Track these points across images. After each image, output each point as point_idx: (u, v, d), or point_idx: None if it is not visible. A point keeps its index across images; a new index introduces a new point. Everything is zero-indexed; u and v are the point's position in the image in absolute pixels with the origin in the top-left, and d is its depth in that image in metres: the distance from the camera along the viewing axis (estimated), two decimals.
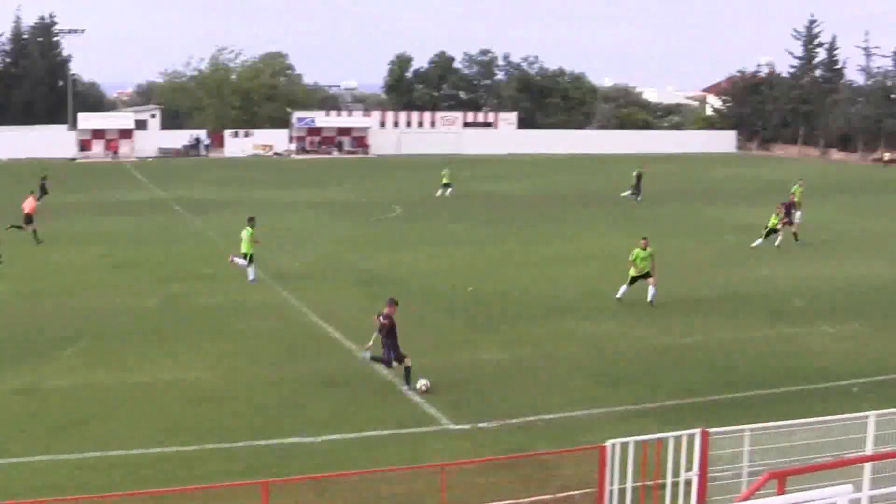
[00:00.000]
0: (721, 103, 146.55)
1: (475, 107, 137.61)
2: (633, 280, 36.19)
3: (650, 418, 23.26)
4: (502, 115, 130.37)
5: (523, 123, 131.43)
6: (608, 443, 16.72)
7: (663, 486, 16.97)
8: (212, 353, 29.00)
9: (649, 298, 35.64)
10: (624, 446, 16.70)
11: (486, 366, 27.84)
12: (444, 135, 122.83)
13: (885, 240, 52.78)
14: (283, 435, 22.17)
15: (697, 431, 16.73)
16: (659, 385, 26.12)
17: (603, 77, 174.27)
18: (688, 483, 16.89)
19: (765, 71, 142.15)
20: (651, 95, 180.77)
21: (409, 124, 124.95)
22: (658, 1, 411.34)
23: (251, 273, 39.44)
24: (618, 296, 36.18)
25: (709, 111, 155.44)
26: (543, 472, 19.20)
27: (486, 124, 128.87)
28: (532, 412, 23.82)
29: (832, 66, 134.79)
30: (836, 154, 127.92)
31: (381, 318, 25.93)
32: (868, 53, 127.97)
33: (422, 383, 25.31)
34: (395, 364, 26.08)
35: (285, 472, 19.20)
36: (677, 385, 26.14)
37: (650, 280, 35.97)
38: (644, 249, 36.21)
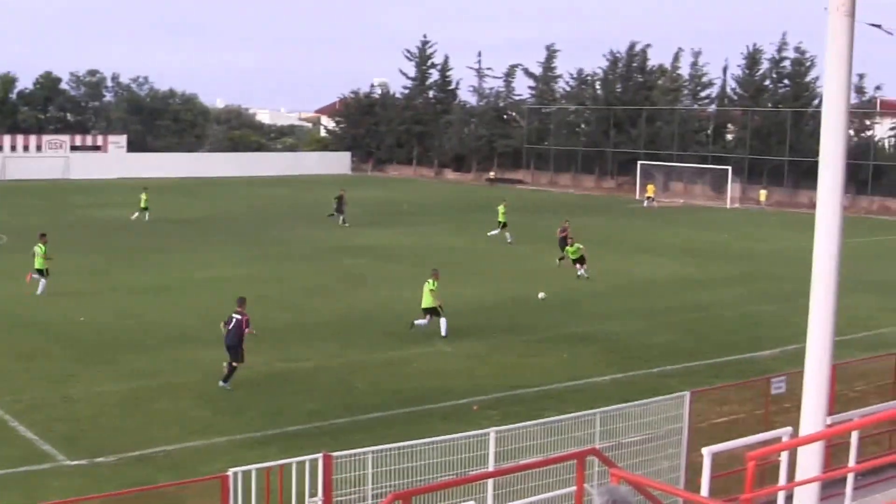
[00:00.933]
0: (334, 124, 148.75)
1: (84, 129, 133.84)
2: (427, 311, 35.74)
3: (272, 445, 23.32)
4: (111, 137, 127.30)
5: (133, 146, 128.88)
6: (230, 472, 16.61)
7: None
8: None
9: (443, 332, 35.33)
10: (246, 474, 16.64)
11: (101, 398, 27.12)
12: (51, 159, 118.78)
13: (491, 259, 55.02)
14: None
15: (320, 456, 16.88)
16: (280, 411, 26.21)
17: (215, 98, 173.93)
18: None
19: (378, 92, 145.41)
20: (264, 117, 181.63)
21: (13, 148, 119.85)
22: (267, 22, 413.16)
23: (41, 287, 42.04)
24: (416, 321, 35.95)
25: (323, 132, 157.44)
26: None
27: (96, 147, 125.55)
28: (152, 444, 23.40)
29: (445, 87, 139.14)
30: (450, 174, 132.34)
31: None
32: (480, 74, 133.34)
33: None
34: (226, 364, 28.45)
35: None
36: (298, 410, 26.31)
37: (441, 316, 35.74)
38: (435, 281, 35.91)
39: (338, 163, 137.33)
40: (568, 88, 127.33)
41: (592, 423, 19.32)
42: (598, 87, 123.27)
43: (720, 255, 59.48)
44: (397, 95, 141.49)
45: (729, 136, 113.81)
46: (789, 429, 16.86)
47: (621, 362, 32.47)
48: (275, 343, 33.70)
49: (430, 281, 35.95)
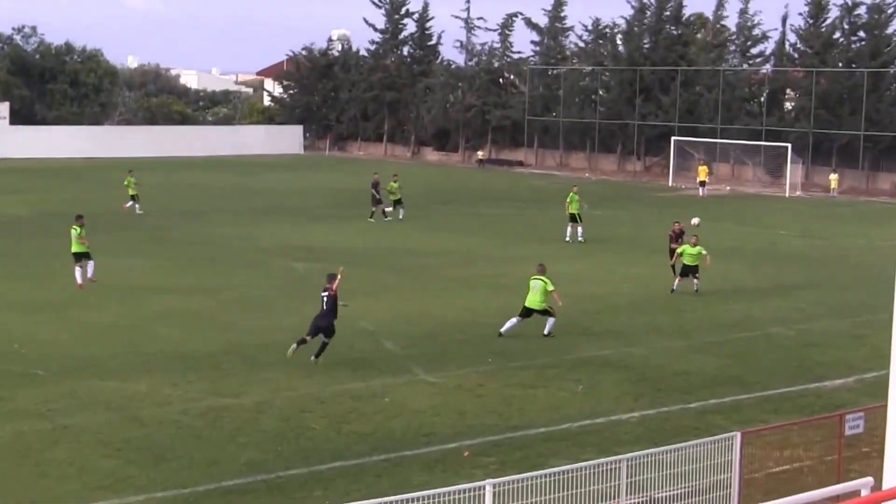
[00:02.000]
0: (282, 90, 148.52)
1: None
2: (532, 312, 39.06)
3: None
4: None
5: (18, 117, 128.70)
6: None
7: None
8: None
9: (546, 330, 38.93)
10: None
11: None
12: None
13: (482, 263, 55.05)
14: None
15: None
16: (214, 460, 26.17)
17: (125, 56, 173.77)
18: None
19: (338, 48, 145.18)
20: (190, 80, 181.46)
21: None
22: None
23: (80, 275, 46.56)
24: (502, 330, 39.05)
25: (267, 101, 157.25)
26: None
27: None
28: None
29: (424, 42, 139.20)
30: (431, 154, 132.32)
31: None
32: (469, 26, 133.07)
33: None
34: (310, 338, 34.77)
35: None
36: (237, 459, 26.26)
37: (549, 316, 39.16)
38: (541, 277, 39.09)
39: (287, 139, 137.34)
40: (581, 44, 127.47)
41: (616, 472, 19.39)
42: (619, 42, 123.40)
43: (776, 256, 59.60)
44: (363, 53, 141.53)
45: (788, 105, 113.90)
46: (870, 479, 16.95)
47: (651, 395, 32.52)
48: (206, 373, 33.67)
49: (545, 279, 38.72)
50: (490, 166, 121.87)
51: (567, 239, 62.83)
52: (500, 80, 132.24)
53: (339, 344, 37.55)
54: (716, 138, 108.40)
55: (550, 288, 38.53)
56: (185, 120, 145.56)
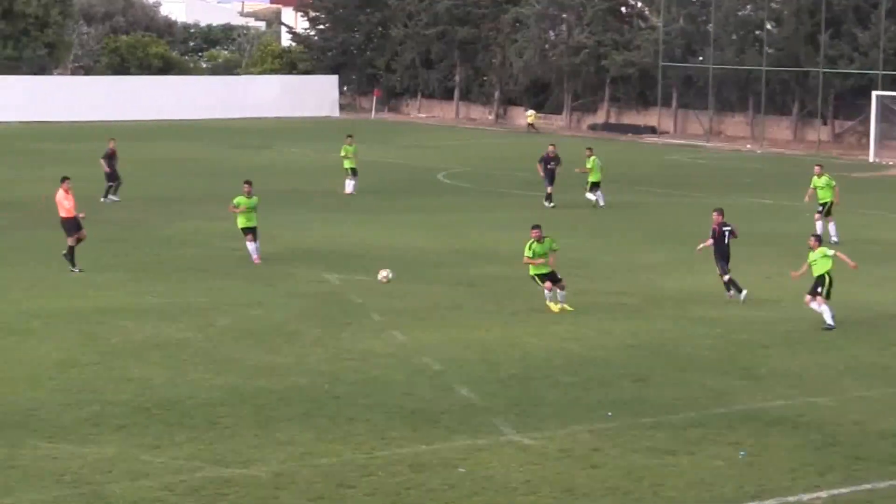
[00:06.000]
0: (308, 25, 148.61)
1: None
2: None
3: None
4: None
5: None
6: None
7: None
8: None
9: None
10: None
11: None
12: None
13: (603, 276, 54.83)
14: None
15: None
16: None
17: None
18: None
19: None
20: (176, 10, 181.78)
21: None
22: None
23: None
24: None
25: (286, 40, 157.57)
26: None
27: None
28: None
29: None
30: (523, 116, 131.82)
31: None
32: None
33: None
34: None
35: None
36: None
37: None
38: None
39: (316, 96, 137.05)
40: None
41: None
42: None
43: None
44: None
45: None
46: None
47: (846, 466, 31.72)
48: (201, 430, 33.24)
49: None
50: (608, 134, 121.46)
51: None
52: (623, 9, 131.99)
53: (392, 390, 37.37)
54: None
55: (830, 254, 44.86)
56: (168, 67, 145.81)
